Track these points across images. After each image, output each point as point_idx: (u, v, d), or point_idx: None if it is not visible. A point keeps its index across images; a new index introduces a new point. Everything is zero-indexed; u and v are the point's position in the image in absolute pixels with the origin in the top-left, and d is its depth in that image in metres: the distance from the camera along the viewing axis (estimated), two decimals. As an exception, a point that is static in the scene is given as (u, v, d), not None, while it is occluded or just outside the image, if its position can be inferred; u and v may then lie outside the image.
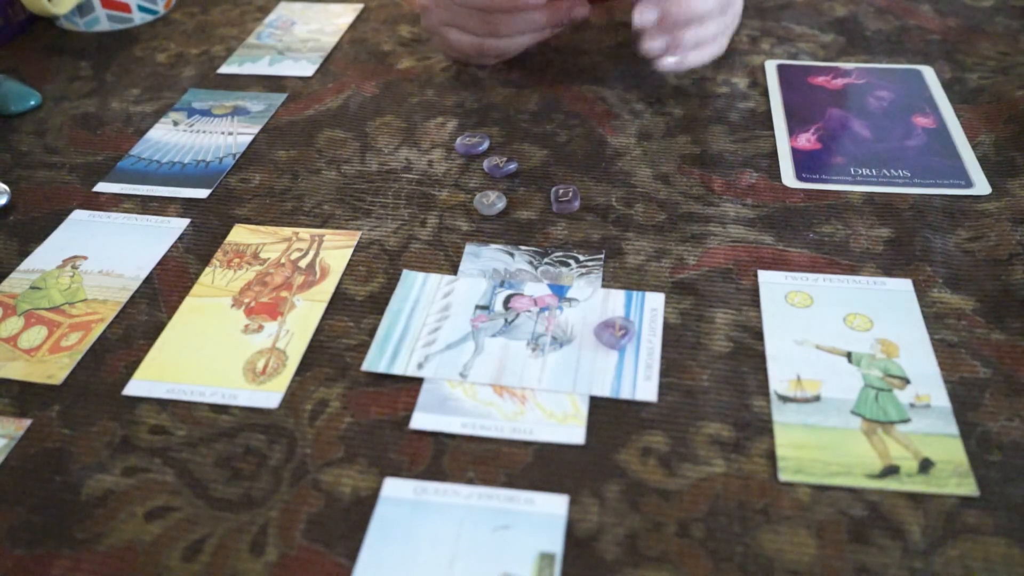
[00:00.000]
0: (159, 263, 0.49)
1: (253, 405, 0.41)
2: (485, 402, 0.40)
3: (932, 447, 0.37)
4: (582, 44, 0.69)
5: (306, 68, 0.67)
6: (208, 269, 0.49)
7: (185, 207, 0.53)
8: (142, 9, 0.75)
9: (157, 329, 0.45)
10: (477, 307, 0.45)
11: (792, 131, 0.58)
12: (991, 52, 0.65)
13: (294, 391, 0.41)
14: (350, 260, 0.49)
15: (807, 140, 0.57)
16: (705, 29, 0.57)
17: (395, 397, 0.41)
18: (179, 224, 0.52)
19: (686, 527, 0.35)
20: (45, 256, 0.50)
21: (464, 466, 0.38)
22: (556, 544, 0.34)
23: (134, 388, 0.42)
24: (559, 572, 0.34)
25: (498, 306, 0.45)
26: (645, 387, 0.40)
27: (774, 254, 0.48)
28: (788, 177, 0.53)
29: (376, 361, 0.42)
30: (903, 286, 0.45)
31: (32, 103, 0.64)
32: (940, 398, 0.40)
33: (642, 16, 0.55)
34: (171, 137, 0.60)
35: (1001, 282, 0.46)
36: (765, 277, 0.46)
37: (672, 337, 0.43)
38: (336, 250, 0.49)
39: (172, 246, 0.50)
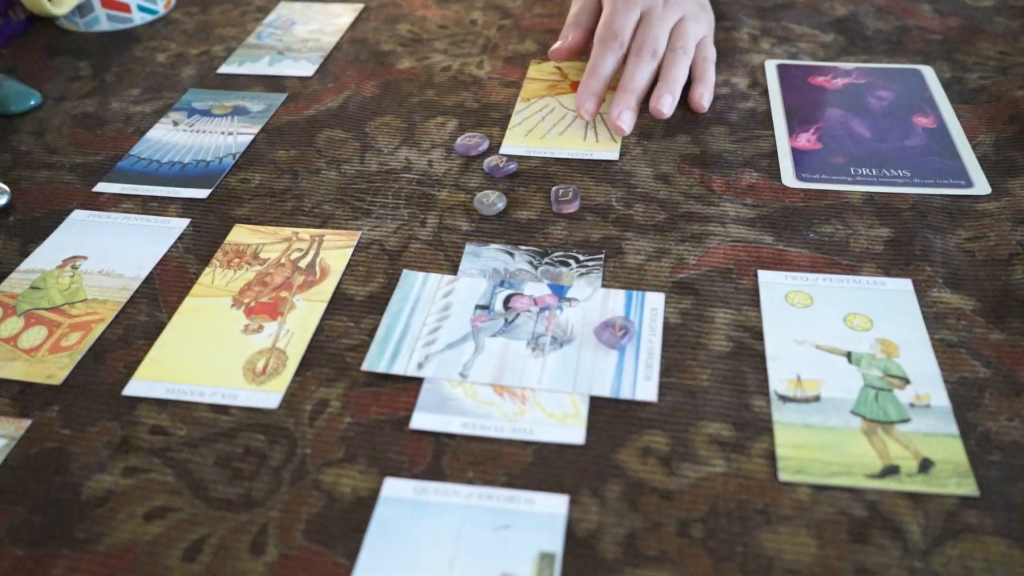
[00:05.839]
0: (159, 263, 0.49)
1: (253, 405, 0.41)
2: (485, 402, 0.40)
3: (932, 447, 0.37)
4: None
5: (306, 68, 0.67)
6: (208, 269, 0.48)
7: (185, 207, 0.53)
8: (142, 9, 0.74)
9: (157, 329, 0.45)
10: (477, 307, 0.45)
11: (792, 131, 0.58)
12: (991, 52, 0.65)
13: (294, 391, 0.41)
14: (350, 260, 0.49)
15: (807, 140, 0.57)
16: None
17: (395, 397, 0.41)
18: (179, 224, 0.52)
19: (686, 527, 0.35)
20: (45, 256, 0.50)
21: (464, 466, 0.38)
22: (556, 544, 0.34)
23: (134, 388, 0.42)
24: (559, 572, 0.34)
25: (498, 306, 0.45)
26: (645, 387, 0.40)
27: (774, 254, 0.48)
28: (788, 177, 0.53)
29: (376, 361, 0.42)
30: (903, 286, 0.45)
31: (32, 103, 0.64)
32: (940, 398, 0.40)
33: (662, 106, 0.56)
34: (171, 137, 0.60)
35: (1001, 282, 0.45)
36: (765, 277, 0.46)
37: (672, 337, 0.43)
38: (336, 250, 0.49)
39: (172, 246, 0.50)
